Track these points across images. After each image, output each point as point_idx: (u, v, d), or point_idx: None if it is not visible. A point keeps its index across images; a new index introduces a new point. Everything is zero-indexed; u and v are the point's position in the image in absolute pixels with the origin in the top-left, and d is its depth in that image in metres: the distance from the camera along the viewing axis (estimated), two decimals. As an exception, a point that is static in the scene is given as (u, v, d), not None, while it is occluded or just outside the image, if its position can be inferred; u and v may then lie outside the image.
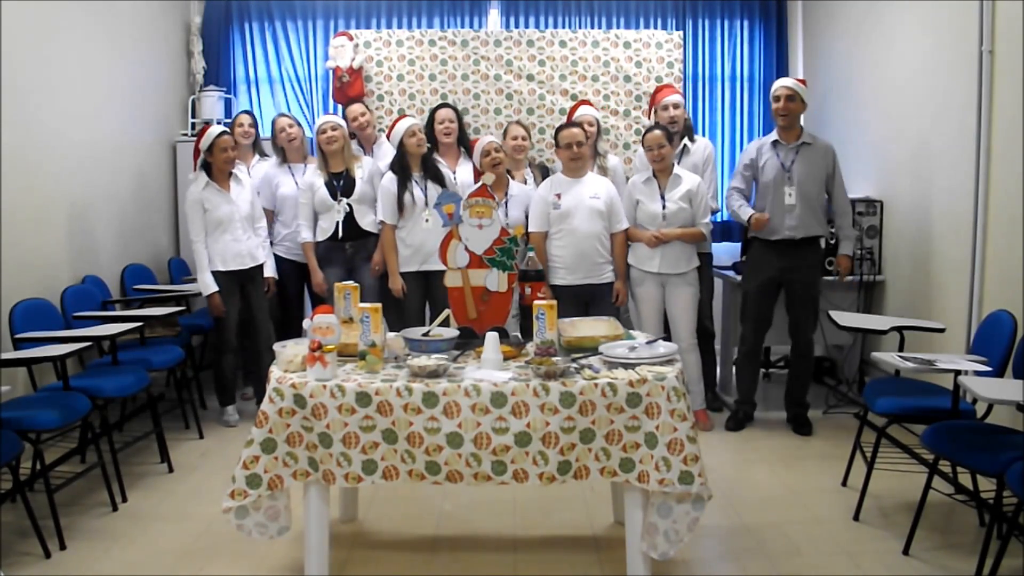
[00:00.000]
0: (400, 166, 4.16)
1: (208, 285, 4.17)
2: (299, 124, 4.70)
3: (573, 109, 4.57)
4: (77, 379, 3.40)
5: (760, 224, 4.08)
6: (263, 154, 4.81)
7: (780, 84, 4.12)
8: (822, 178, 4.09)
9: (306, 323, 2.43)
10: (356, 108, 4.67)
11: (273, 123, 4.70)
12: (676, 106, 4.41)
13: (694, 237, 4.12)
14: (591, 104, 4.67)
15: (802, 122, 4.18)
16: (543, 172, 4.46)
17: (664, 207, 4.06)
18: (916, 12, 4.34)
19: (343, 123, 4.38)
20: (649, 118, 4.70)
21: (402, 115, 4.51)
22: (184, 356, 4.17)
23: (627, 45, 5.14)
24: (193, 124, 5.53)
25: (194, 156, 4.24)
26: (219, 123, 5.48)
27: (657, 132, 4.06)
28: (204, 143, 4.14)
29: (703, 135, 5.29)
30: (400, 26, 5.75)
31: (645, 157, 4.25)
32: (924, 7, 4.26)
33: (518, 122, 4.57)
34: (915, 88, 4.35)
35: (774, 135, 4.17)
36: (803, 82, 4.17)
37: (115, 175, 4.71)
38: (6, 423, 2.80)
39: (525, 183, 4.32)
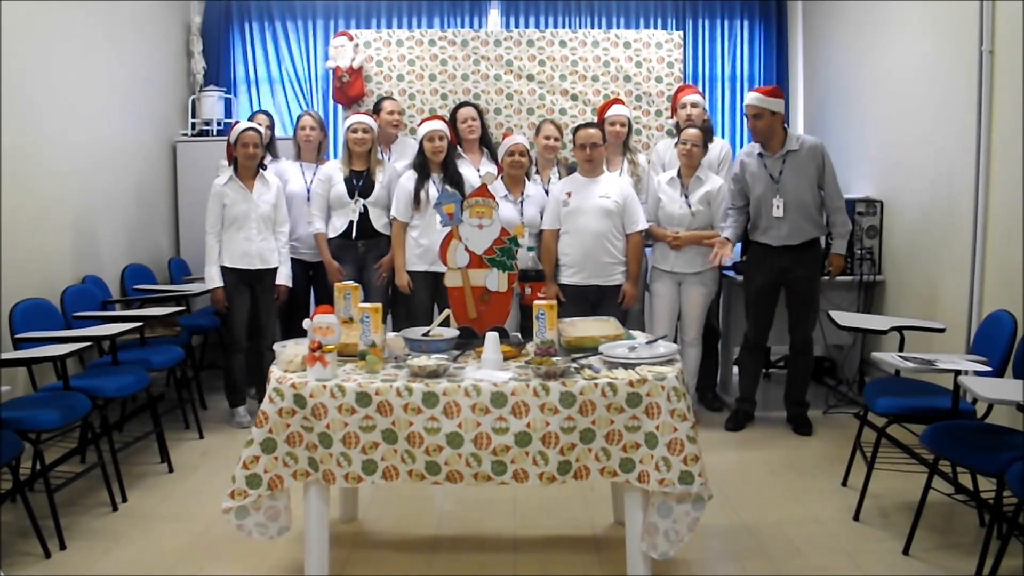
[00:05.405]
0: (420, 164, 4.17)
1: (213, 279, 4.16)
2: (322, 128, 4.71)
3: (604, 107, 4.54)
4: (77, 379, 3.40)
5: (719, 260, 4.05)
6: (275, 156, 4.77)
7: (746, 102, 4.05)
8: (813, 181, 4.03)
9: (306, 323, 2.43)
10: (393, 104, 4.67)
11: (298, 118, 4.72)
12: (694, 105, 4.42)
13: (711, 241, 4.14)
14: (623, 103, 4.62)
15: (799, 125, 4.13)
16: (570, 173, 4.43)
17: (683, 208, 4.11)
18: (916, 12, 4.34)
19: (375, 126, 4.37)
20: (672, 118, 4.72)
21: (432, 116, 4.54)
22: (184, 356, 4.16)
23: (627, 45, 5.14)
24: (193, 124, 5.54)
25: (228, 151, 4.24)
26: (218, 123, 5.49)
27: (697, 131, 4.11)
28: (232, 137, 4.15)
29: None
30: (400, 26, 5.76)
31: (663, 155, 4.28)
32: (924, 7, 4.26)
33: (552, 121, 4.49)
34: (915, 88, 4.35)
35: (759, 146, 4.11)
36: (772, 91, 4.04)
37: (115, 175, 4.71)
38: (6, 423, 2.80)
39: (549, 182, 4.31)
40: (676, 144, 4.24)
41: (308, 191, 4.48)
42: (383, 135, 4.62)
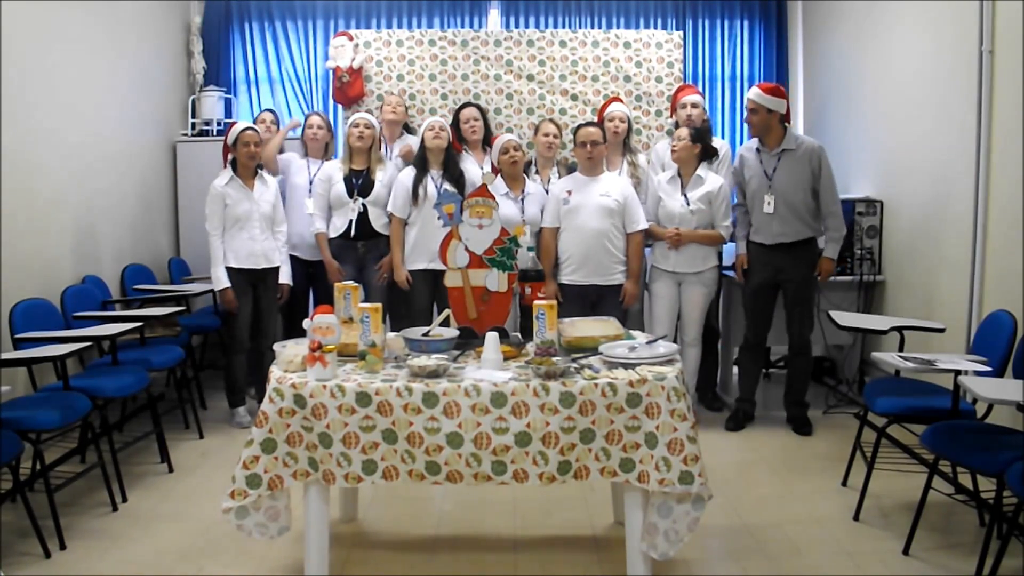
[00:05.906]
0: (420, 159, 4.19)
1: (221, 279, 4.15)
2: (329, 128, 4.73)
3: (604, 106, 4.57)
4: (77, 379, 3.40)
5: (740, 267, 4.25)
6: (280, 151, 4.76)
7: (747, 96, 4.12)
8: (807, 183, 4.02)
9: (306, 323, 2.43)
10: (391, 97, 4.77)
11: (306, 118, 4.74)
12: (694, 105, 4.42)
13: (713, 240, 4.15)
14: (621, 101, 4.67)
15: (799, 125, 4.14)
16: (571, 172, 4.42)
17: (683, 206, 4.10)
18: (916, 12, 4.34)
19: (377, 124, 4.41)
20: (671, 118, 4.73)
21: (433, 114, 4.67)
22: (184, 356, 4.16)
23: (627, 45, 5.15)
24: (193, 124, 5.54)
25: (223, 152, 4.24)
26: (218, 123, 5.49)
27: (684, 131, 4.14)
28: (230, 138, 4.16)
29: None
30: (400, 26, 5.76)
31: (663, 155, 4.31)
32: (924, 7, 4.26)
33: (551, 120, 4.50)
34: (915, 88, 4.35)
35: (757, 141, 4.14)
36: (772, 89, 4.05)
37: (115, 175, 4.71)
38: (6, 423, 2.80)
39: (548, 182, 4.31)
40: None
41: (311, 183, 4.48)
42: (385, 127, 4.62)
